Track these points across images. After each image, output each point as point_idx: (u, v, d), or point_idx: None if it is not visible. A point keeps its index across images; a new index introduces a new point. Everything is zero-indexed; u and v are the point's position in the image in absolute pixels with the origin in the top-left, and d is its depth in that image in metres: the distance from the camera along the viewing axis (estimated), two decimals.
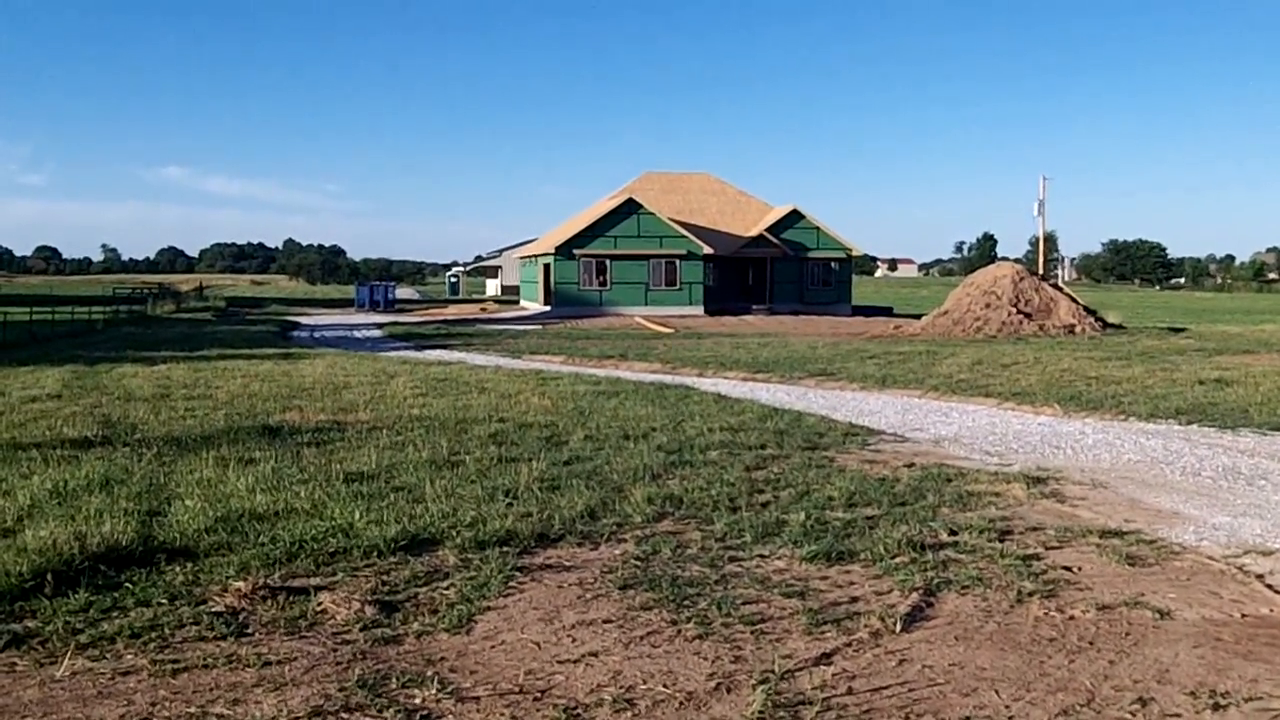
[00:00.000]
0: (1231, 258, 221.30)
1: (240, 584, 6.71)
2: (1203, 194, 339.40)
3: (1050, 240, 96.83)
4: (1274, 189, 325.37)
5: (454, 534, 7.96)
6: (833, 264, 61.86)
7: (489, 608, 6.49)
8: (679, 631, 6.05)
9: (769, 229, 60.42)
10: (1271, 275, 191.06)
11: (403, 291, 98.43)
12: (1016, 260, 63.08)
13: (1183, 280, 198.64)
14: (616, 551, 7.78)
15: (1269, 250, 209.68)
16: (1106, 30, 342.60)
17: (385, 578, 7.03)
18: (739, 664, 5.57)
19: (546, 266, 58.76)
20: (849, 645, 5.85)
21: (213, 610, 6.32)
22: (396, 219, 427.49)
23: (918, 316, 45.09)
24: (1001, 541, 8.14)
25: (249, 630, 6.05)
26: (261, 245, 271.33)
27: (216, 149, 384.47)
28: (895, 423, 15.22)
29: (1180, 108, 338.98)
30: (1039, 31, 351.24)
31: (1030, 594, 6.80)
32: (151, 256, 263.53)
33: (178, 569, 7.10)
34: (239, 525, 8.17)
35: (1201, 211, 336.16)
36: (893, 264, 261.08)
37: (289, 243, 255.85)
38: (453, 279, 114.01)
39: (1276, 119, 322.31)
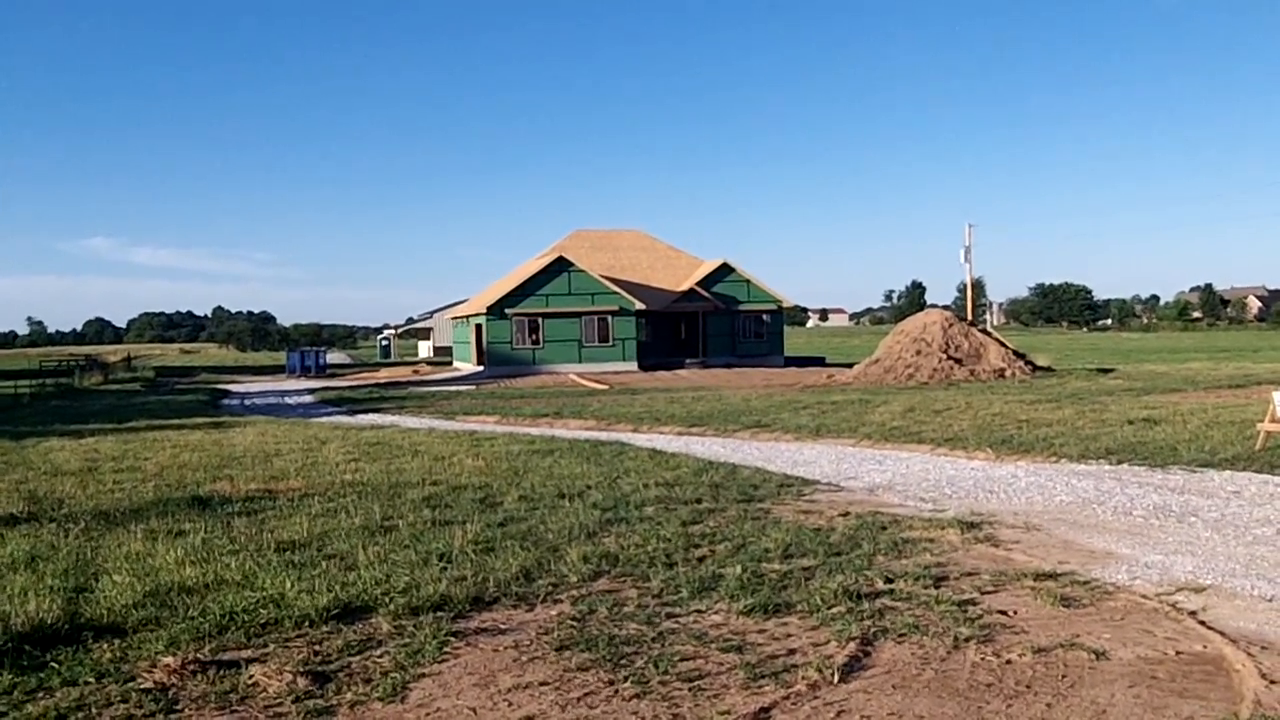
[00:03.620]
0: (1156, 298, 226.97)
1: (169, 659, 6.53)
2: (1127, 236, 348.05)
3: (978, 286, 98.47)
4: (1197, 230, 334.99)
5: (387, 600, 7.82)
6: (764, 316, 62.38)
7: (424, 674, 6.38)
8: (616, 691, 5.98)
9: (700, 283, 60.87)
10: (1196, 314, 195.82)
11: (334, 356, 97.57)
12: (945, 307, 64.14)
13: (1109, 321, 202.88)
14: (552, 612, 7.70)
15: (1192, 290, 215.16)
16: (1027, 78, 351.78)
17: (318, 648, 6.88)
18: None
19: (479, 327, 58.61)
20: (787, 698, 5.82)
21: (141, 687, 6.13)
22: (326, 284, 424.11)
23: (850, 365, 45.58)
24: (937, 588, 8.18)
25: (179, 706, 5.88)
26: (190, 314, 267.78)
27: (143, 220, 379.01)
28: (830, 472, 15.31)
29: (1103, 151, 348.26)
30: (960, 83, 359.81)
31: (967, 639, 6.83)
32: (79, 328, 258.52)
33: (105, 646, 6.90)
34: (168, 599, 7.97)
35: (1126, 253, 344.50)
36: (824, 314, 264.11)
37: (218, 310, 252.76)
38: (384, 342, 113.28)
39: (1199, 162, 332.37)
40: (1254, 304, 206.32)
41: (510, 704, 5.87)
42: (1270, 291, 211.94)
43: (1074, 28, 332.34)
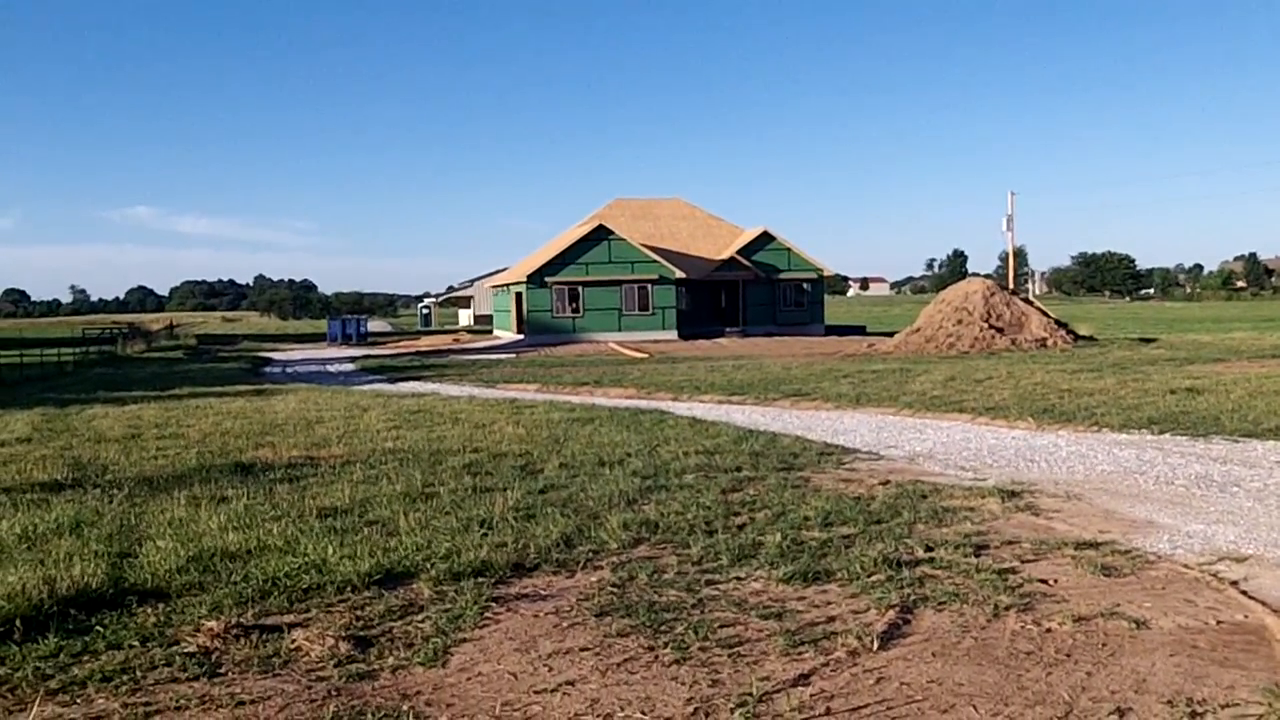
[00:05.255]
0: (1200, 267, 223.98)
1: (213, 624, 6.62)
2: (1170, 205, 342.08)
3: (1020, 255, 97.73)
4: (1240, 199, 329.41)
5: (429, 566, 7.90)
6: (804, 285, 62.09)
7: (465, 640, 6.44)
8: (656, 657, 6.01)
9: (740, 251, 60.64)
10: (1240, 283, 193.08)
11: (375, 324, 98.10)
12: (987, 276, 63.55)
13: (1152, 291, 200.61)
14: (593, 579, 7.74)
15: (1236, 259, 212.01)
16: (1071, 46, 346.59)
17: (359, 613, 6.96)
18: (717, 688, 5.54)
19: (519, 295, 58.74)
20: (826, 665, 5.84)
21: (185, 651, 6.23)
22: (367, 253, 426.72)
23: (890, 335, 45.30)
24: (977, 556, 8.15)
25: (222, 670, 5.97)
26: (232, 282, 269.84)
27: (186, 189, 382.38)
28: (870, 441, 15.26)
29: (1146, 119, 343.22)
30: (1004, 49, 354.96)
31: (1007, 608, 6.81)
32: (121, 296, 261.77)
33: (149, 610, 7.01)
34: (211, 564, 8.08)
35: (1169, 222, 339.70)
36: (864, 283, 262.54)
37: (259, 279, 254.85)
38: (425, 310, 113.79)
39: (1241, 130, 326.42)
40: None
41: (550, 669, 5.92)
42: None
43: None
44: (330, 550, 8.35)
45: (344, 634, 6.46)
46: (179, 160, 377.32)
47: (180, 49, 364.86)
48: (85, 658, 6.17)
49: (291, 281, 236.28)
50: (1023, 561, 8.04)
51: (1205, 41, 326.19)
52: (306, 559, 8.15)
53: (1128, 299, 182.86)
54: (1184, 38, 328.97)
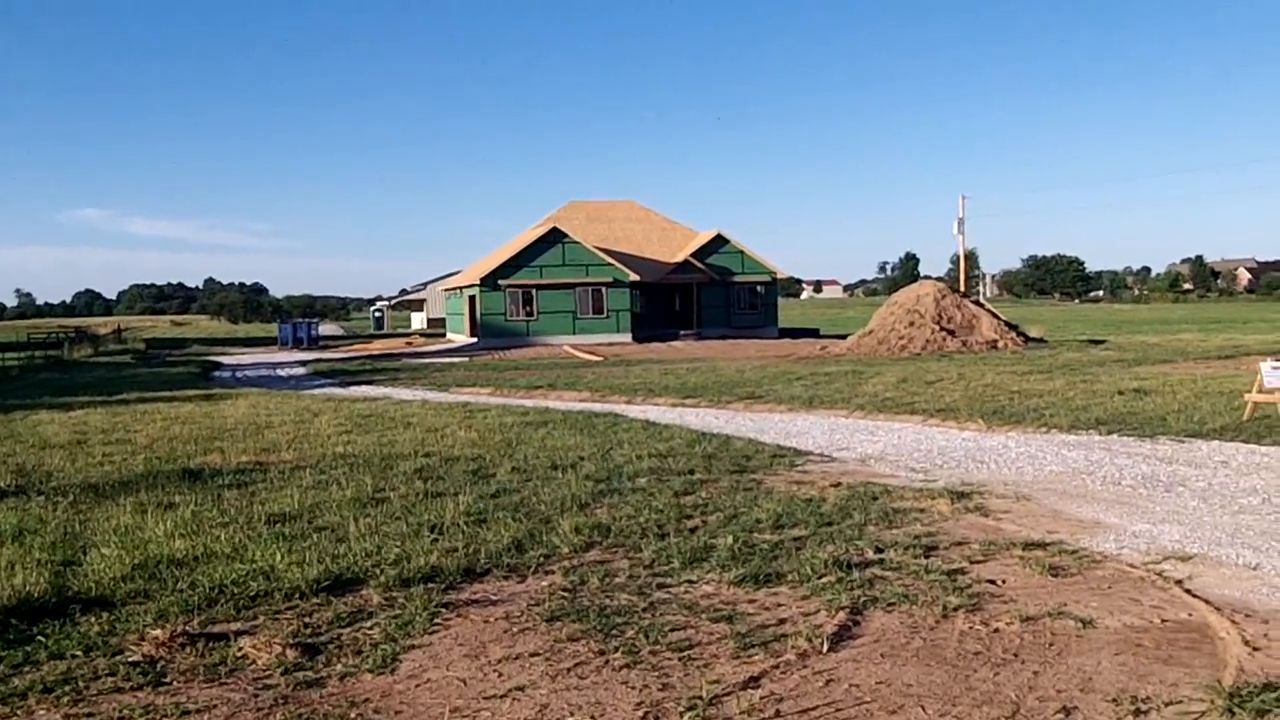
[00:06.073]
0: (1148, 270, 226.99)
1: (158, 632, 6.53)
2: (1119, 208, 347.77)
3: (971, 258, 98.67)
4: (1187, 202, 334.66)
5: (378, 572, 7.84)
6: (758, 287, 62.31)
7: (414, 646, 6.40)
8: (607, 662, 6.00)
9: (694, 254, 60.74)
10: (1187, 286, 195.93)
11: (327, 328, 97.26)
12: (939, 278, 64.15)
13: (1101, 293, 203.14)
14: (544, 583, 7.72)
15: (1183, 262, 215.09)
16: (1020, 48, 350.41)
17: (308, 620, 6.89)
18: (667, 691, 5.53)
19: (472, 298, 58.48)
20: (776, 667, 5.85)
21: (130, 660, 6.15)
22: (319, 256, 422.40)
23: (843, 337, 45.59)
24: (927, 557, 8.21)
25: (167, 679, 5.89)
26: (182, 285, 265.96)
27: (137, 190, 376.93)
28: (822, 443, 15.33)
29: (1095, 123, 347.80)
30: (956, 51, 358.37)
31: (955, 608, 6.86)
32: (68, 300, 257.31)
33: (93, 619, 6.90)
34: (157, 572, 7.97)
35: (1118, 225, 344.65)
36: (818, 285, 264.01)
37: (210, 282, 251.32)
38: (377, 314, 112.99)
39: (1189, 134, 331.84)
40: (1244, 276, 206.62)
41: (500, 675, 5.89)
42: (1260, 263, 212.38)
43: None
44: (278, 557, 8.27)
45: (291, 641, 6.39)
46: (131, 161, 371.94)
47: (131, 48, 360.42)
48: (26, 668, 6.07)
49: (242, 285, 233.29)
50: (971, 562, 8.11)
51: (1152, 44, 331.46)
52: (254, 566, 8.07)
53: (1077, 301, 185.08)
54: (1130, 40, 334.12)
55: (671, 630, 6.51)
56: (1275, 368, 15.85)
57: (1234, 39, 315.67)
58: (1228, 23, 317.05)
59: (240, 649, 6.30)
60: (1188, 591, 7.29)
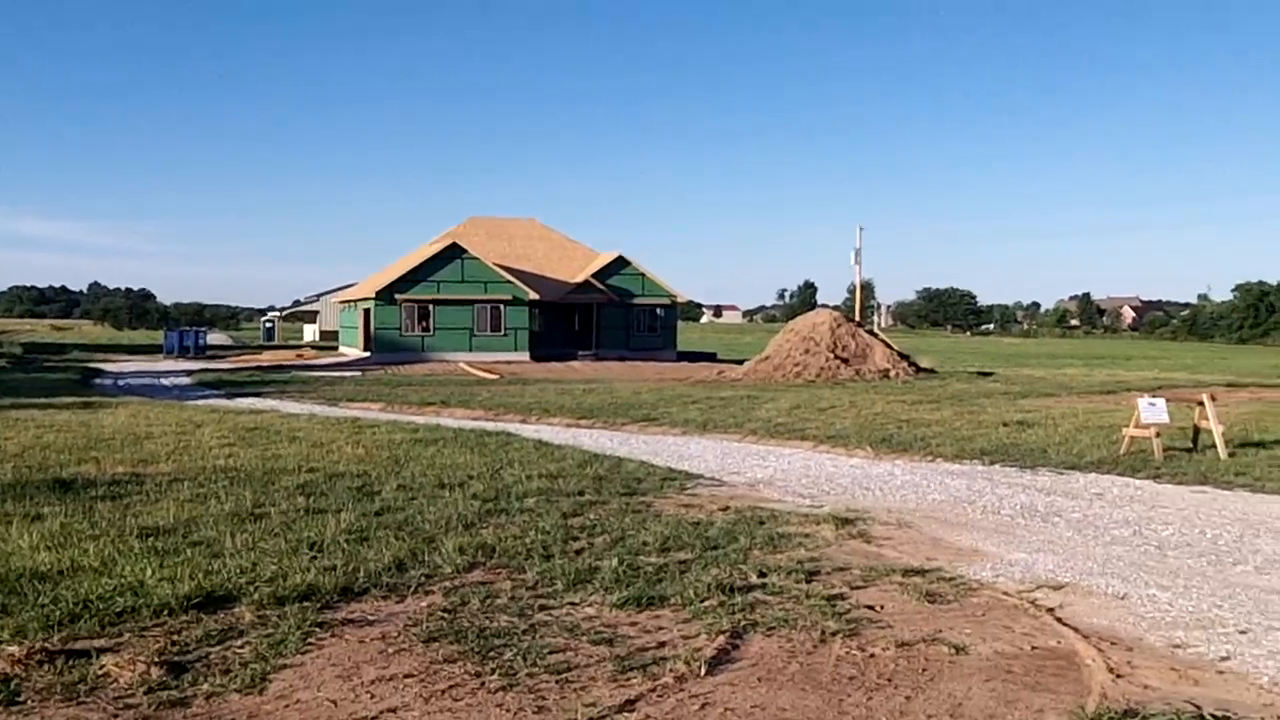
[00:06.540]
0: (1037, 305, 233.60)
1: (14, 649, 6.26)
2: (1010, 244, 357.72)
3: (867, 288, 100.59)
4: (1076, 240, 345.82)
5: (252, 590, 7.63)
6: (658, 310, 62.60)
7: (285, 666, 6.23)
8: (483, 684, 5.91)
9: (595, 275, 60.81)
10: (1074, 321, 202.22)
11: (216, 337, 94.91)
12: (835, 307, 64.98)
13: (992, 326, 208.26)
14: (423, 604, 7.59)
15: (1071, 298, 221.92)
16: (915, 80, 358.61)
17: (175, 637, 6.67)
18: (542, 714, 5.47)
19: (367, 312, 57.70)
20: (653, 691, 5.82)
21: None
22: (210, 262, 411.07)
23: (740, 362, 46.00)
24: (809, 582, 8.27)
25: (21, 699, 5.65)
26: (65, 289, 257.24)
27: (21, 189, 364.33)
28: (714, 466, 15.41)
29: (989, 159, 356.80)
30: (854, 85, 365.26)
31: (834, 633, 6.92)
32: None
33: None
34: (18, 586, 7.65)
35: (1009, 261, 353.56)
36: (718, 310, 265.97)
37: (95, 286, 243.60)
38: (269, 324, 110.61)
39: (1078, 176, 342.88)
40: (1128, 314, 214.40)
41: (372, 696, 5.76)
42: (1143, 302, 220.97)
43: (953, 33, 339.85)
44: (149, 571, 8.01)
45: (157, 659, 6.18)
46: (18, 159, 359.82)
47: (19, 42, 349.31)
48: None
49: (129, 290, 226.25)
50: (852, 588, 8.19)
51: (1042, 84, 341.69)
52: (123, 580, 7.80)
53: (968, 334, 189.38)
54: (1026, 77, 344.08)
55: (551, 652, 6.45)
56: (1151, 404, 16.39)
57: (1120, 79, 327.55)
58: (1115, 63, 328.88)
59: (102, 667, 6.07)
60: (1058, 620, 7.46)
